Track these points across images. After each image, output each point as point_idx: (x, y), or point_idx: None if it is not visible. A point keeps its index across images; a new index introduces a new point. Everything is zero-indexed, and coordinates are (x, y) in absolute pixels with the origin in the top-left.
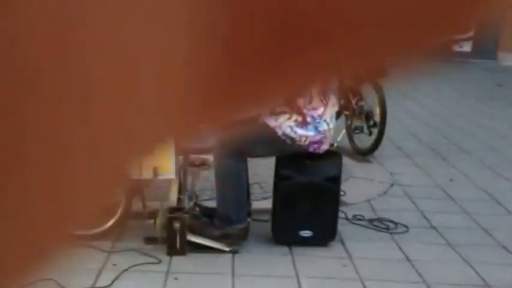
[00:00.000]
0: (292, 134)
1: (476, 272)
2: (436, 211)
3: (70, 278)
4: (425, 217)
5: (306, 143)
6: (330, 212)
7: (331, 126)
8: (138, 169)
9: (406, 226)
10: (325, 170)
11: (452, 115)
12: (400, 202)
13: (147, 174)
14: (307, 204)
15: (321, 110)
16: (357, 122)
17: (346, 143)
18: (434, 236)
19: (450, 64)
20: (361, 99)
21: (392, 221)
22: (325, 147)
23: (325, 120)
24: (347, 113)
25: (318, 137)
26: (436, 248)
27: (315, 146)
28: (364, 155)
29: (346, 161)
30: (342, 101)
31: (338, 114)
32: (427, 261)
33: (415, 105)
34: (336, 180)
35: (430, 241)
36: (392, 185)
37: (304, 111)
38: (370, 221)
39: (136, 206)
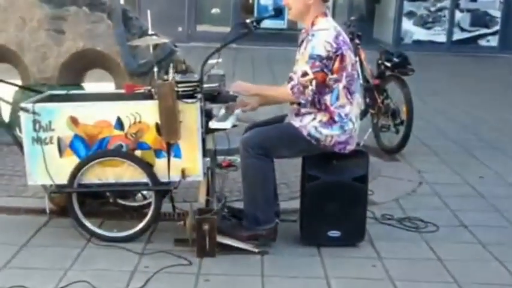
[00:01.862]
0: (318, 135)
1: (509, 271)
2: (466, 209)
3: (103, 280)
4: (455, 215)
5: (332, 143)
6: (358, 211)
7: (356, 126)
8: (166, 171)
9: (436, 225)
10: (352, 170)
11: (480, 111)
12: (430, 201)
13: (175, 177)
14: (335, 204)
15: (347, 109)
16: (383, 121)
17: (373, 142)
18: (465, 234)
19: (477, 59)
20: (387, 97)
21: (421, 220)
22: (351, 147)
23: (350, 120)
24: (373, 111)
25: (343, 137)
26: (467, 247)
27: (341, 146)
28: (391, 153)
29: (374, 160)
30: (367, 100)
31: (364, 113)
32: (458, 260)
33: (442, 101)
34: (363, 179)
35: (460, 240)
36: (420, 183)
37: (332, 108)
38: (399, 220)
39: (166, 208)
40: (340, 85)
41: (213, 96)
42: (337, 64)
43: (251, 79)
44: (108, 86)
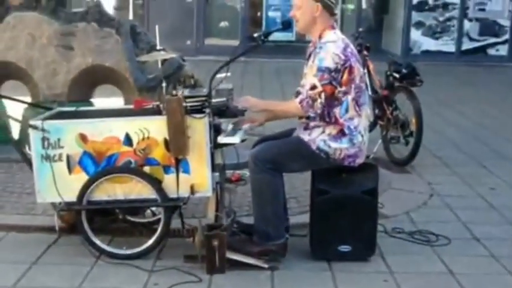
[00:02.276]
0: (326, 148)
1: None
2: (478, 222)
3: None
4: (467, 228)
5: (341, 156)
6: (369, 225)
7: (365, 138)
8: (175, 187)
9: (447, 238)
10: (362, 183)
11: (490, 121)
12: (441, 213)
13: (184, 193)
14: (345, 218)
15: (356, 121)
16: (392, 132)
17: (383, 154)
18: (477, 247)
19: (487, 68)
20: (396, 108)
21: (433, 233)
22: (360, 160)
23: (359, 132)
24: (382, 123)
25: (352, 150)
26: (480, 260)
27: (350, 159)
28: (401, 165)
29: (383, 172)
30: (376, 111)
31: (373, 125)
32: (470, 274)
33: (452, 112)
34: (373, 193)
35: (473, 253)
36: (431, 195)
37: (341, 121)
38: (410, 233)
39: (175, 224)
40: (349, 97)
41: (222, 111)
42: (345, 76)
43: (260, 92)
44: (117, 101)
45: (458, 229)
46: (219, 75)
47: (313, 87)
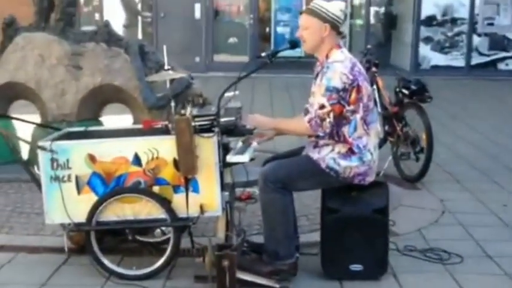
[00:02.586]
0: (336, 167)
1: None
2: (491, 239)
3: None
4: (480, 246)
5: (351, 175)
6: (380, 244)
7: (375, 157)
8: (185, 207)
9: (460, 256)
10: (372, 202)
11: (502, 136)
12: (453, 230)
13: (194, 212)
14: (356, 237)
15: (365, 140)
16: (403, 148)
17: (393, 170)
18: (491, 265)
19: (496, 83)
20: (405, 125)
21: (445, 251)
22: (370, 178)
23: (369, 150)
24: (392, 139)
25: (362, 169)
26: (493, 278)
27: (360, 177)
28: (412, 182)
29: (394, 189)
30: (386, 127)
31: (383, 141)
32: None
33: (463, 127)
34: (383, 211)
35: (486, 271)
36: (443, 212)
37: (350, 140)
38: (423, 251)
39: (185, 243)
40: (358, 116)
41: (230, 130)
42: (353, 95)
43: (269, 107)
44: (126, 119)
45: (470, 247)
46: (227, 94)
47: (322, 107)
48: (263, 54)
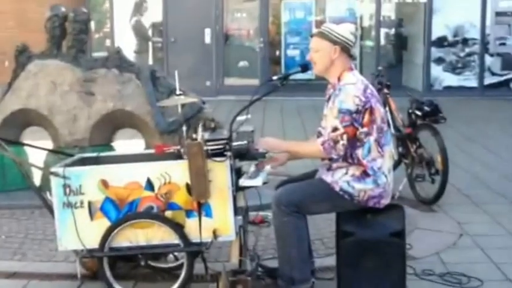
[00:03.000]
0: (350, 190)
1: None
2: (510, 262)
3: None
4: (499, 269)
5: (365, 198)
6: (397, 268)
7: (389, 179)
8: (198, 232)
9: (479, 280)
10: (388, 225)
11: None
12: (471, 253)
13: (207, 237)
14: (372, 261)
15: (379, 162)
16: (417, 170)
17: (408, 193)
18: None
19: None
20: (420, 146)
21: (464, 275)
22: (385, 201)
23: (383, 173)
24: (407, 161)
25: (377, 191)
26: None
27: (375, 200)
28: (428, 204)
29: (410, 212)
30: (400, 149)
31: (397, 163)
32: None
33: (477, 148)
34: (400, 234)
35: None
36: (461, 235)
37: (365, 162)
38: (441, 275)
39: (198, 268)
40: (371, 138)
41: (243, 154)
42: (366, 117)
43: (281, 130)
44: (138, 144)
45: (490, 270)
46: (239, 118)
47: (335, 129)
48: (274, 77)
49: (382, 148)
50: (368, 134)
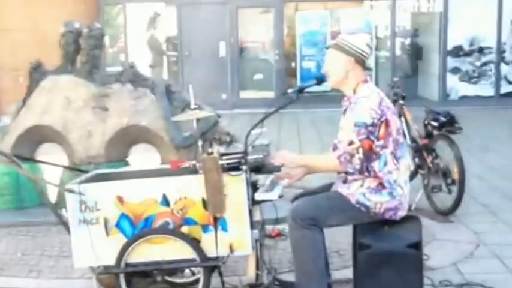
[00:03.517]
0: (366, 202)
1: None
2: None
3: None
4: None
5: (381, 210)
6: (415, 279)
7: (405, 191)
8: (214, 246)
9: None
10: (405, 237)
11: None
12: (489, 264)
13: (223, 251)
14: (390, 273)
15: (395, 174)
16: (434, 181)
17: (426, 204)
18: None
19: None
20: (436, 157)
21: (482, 285)
22: (401, 213)
23: (399, 185)
24: (423, 172)
25: (393, 204)
26: None
27: (391, 212)
28: (445, 214)
29: (427, 223)
30: (416, 160)
31: (414, 174)
32: None
33: (495, 157)
34: (417, 246)
35: None
36: (478, 245)
37: (381, 174)
38: (459, 286)
39: (215, 283)
40: (387, 151)
41: (258, 168)
42: (382, 130)
43: (297, 142)
44: (153, 159)
45: (508, 280)
46: (254, 131)
47: (351, 143)
48: (289, 90)
49: (398, 160)
50: (384, 146)
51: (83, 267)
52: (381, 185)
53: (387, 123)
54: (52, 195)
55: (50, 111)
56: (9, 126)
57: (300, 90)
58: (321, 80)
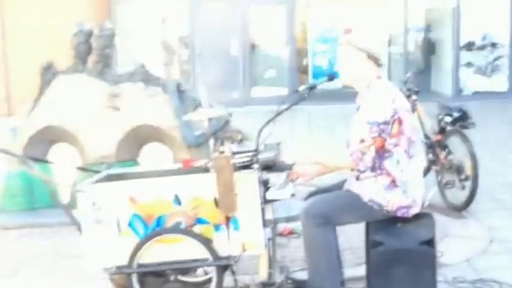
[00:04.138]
0: (379, 200)
1: None
2: None
3: None
4: None
5: (394, 207)
6: (428, 276)
7: (418, 189)
8: (226, 246)
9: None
10: (418, 234)
11: None
12: (503, 259)
13: (235, 250)
14: (403, 270)
15: (408, 173)
16: (447, 177)
17: (439, 200)
18: None
19: None
20: (449, 152)
21: (496, 281)
22: (414, 210)
23: (412, 183)
24: (436, 168)
25: (406, 201)
26: None
27: (404, 210)
28: (458, 210)
29: (440, 218)
30: (429, 156)
31: (427, 170)
32: None
33: (508, 152)
34: (430, 243)
35: None
36: (492, 241)
37: (393, 172)
38: (473, 282)
39: (228, 281)
40: (400, 149)
41: (270, 166)
42: (395, 128)
43: (309, 138)
44: (165, 158)
45: None
46: (266, 129)
47: (362, 141)
48: (301, 88)
49: (411, 159)
50: (396, 144)
51: (95, 268)
52: (394, 183)
53: (400, 121)
54: (65, 196)
55: (61, 112)
56: (21, 127)
57: (312, 88)
58: (333, 76)
